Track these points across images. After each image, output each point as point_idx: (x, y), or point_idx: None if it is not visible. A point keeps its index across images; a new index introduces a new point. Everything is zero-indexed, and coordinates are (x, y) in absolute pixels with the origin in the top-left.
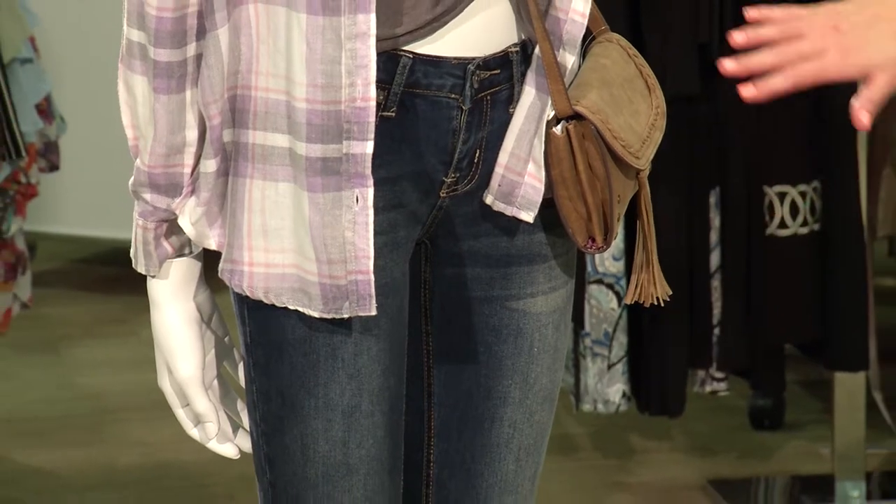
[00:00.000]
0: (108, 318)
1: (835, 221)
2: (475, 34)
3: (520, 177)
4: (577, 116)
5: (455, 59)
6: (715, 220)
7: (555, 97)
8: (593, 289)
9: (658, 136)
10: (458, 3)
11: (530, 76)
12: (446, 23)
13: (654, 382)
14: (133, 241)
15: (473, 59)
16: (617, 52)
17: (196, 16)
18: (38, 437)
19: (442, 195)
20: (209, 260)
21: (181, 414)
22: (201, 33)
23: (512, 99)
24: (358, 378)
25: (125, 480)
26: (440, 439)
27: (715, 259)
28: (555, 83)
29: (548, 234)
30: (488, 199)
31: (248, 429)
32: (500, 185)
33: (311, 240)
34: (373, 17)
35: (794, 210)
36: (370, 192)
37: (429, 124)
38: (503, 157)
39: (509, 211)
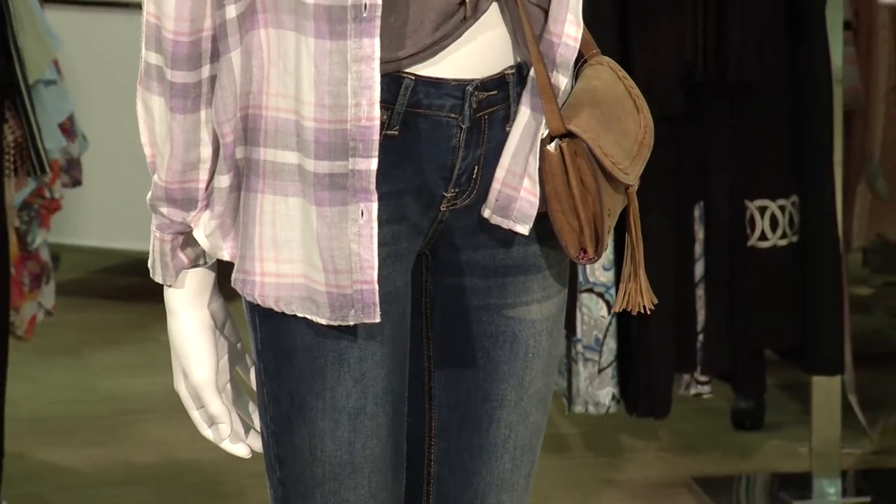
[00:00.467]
0: (128, 325)
1: (812, 234)
2: (473, 57)
3: (516, 192)
4: (569, 135)
5: (455, 80)
6: (699, 233)
7: (549, 116)
8: (584, 297)
9: (646, 154)
10: (456, 27)
11: (525, 97)
12: (446, 46)
13: (641, 385)
14: (151, 252)
15: (472, 80)
16: (607, 73)
17: (210, 40)
18: (60, 436)
19: (442, 209)
20: (222, 270)
21: (196, 415)
22: (215, 56)
23: (508, 118)
24: (363, 381)
25: (142, 477)
26: (440, 439)
27: (699, 269)
28: (549, 103)
29: (542, 245)
30: (486, 213)
31: (259, 430)
32: (497, 200)
33: (318, 251)
34: (377, 41)
35: (774, 223)
36: (374, 206)
37: (430, 142)
38: (500, 174)
39: (506, 224)
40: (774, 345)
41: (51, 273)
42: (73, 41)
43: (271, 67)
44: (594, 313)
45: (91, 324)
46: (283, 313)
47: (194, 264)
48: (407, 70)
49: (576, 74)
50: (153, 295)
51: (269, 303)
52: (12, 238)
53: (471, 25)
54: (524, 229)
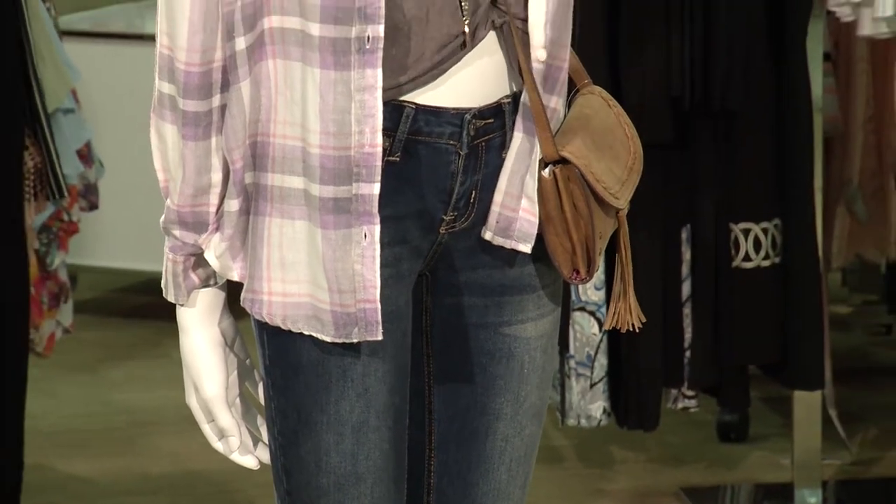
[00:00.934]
0: (142, 342)
1: (794, 255)
2: (471, 86)
3: (514, 212)
4: (563, 161)
5: (453, 109)
6: (686, 254)
7: (543, 143)
8: (577, 315)
9: (635, 179)
10: (455, 53)
11: (519, 121)
12: (445, 71)
13: (631, 399)
14: (164, 272)
15: (470, 109)
16: (599, 102)
17: (221, 70)
18: (78, 449)
19: (441, 231)
20: (232, 290)
21: (207, 429)
22: (225, 86)
23: (504, 145)
24: (366, 396)
25: (157, 487)
26: (440, 451)
27: (686, 289)
28: (543, 131)
29: (537, 266)
30: (487, 235)
31: (267, 442)
32: (497, 222)
33: (323, 272)
34: (379, 72)
35: (758, 245)
36: (377, 229)
37: (430, 168)
38: (498, 197)
39: (508, 244)
40: (758, 361)
41: (69, 293)
42: (91, 72)
43: (279, 97)
44: (586, 331)
45: (107, 341)
46: (289, 331)
47: (205, 284)
48: (408, 98)
49: (568, 103)
50: (166, 313)
51: (277, 321)
52: (32, 259)
53: (468, 52)
54: (526, 248)
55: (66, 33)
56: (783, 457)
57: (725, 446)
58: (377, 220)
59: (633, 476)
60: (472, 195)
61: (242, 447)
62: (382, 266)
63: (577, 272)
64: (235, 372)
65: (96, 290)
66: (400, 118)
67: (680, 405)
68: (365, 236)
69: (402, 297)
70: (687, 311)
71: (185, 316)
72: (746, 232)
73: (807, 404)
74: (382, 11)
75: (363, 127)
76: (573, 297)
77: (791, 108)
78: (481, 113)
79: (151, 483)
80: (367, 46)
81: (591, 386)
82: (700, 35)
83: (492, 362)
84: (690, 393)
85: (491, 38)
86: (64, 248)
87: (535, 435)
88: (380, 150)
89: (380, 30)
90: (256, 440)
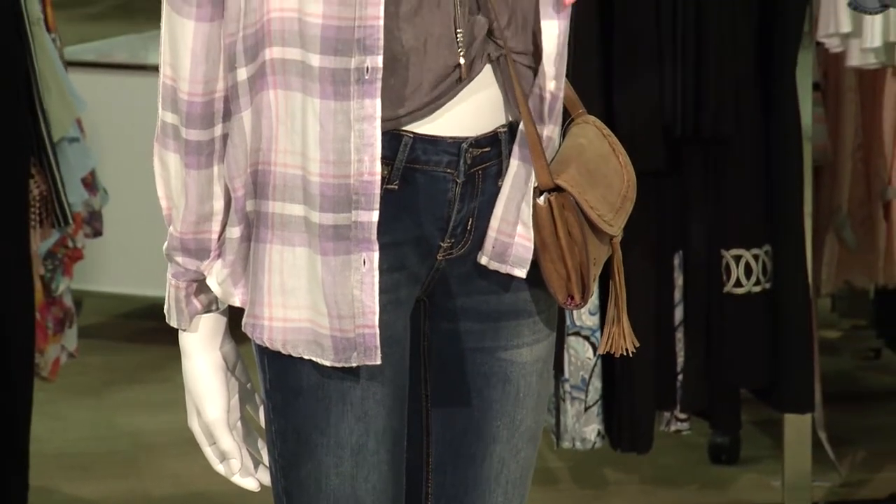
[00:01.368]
0: (145, 366)
1: (784, 281)
2: (468, 116)
3: (510, 238)
4: (558, 189)
5: (450, 138)
6: (678, 280)
7: (538, 172)
8: (572, 340)
9: (629, 207)
10: (452, 87)
11: (516, 150)
12: (442, 105)
13: (625, 422)
14: (167, 298)
15: (466, 138)
16: (593, 132)
17: (223, 100)
18: (83, 471)
19: (439, 258)
20: (233, 315)
21: (208, 451)
22: (227, 115)
23: (501, 173)
24: (365, 419)
25: None
26: (437, 473)
27: (678, 314)
28: (538, 160)
29: (532, 292)
30: (483, 260)
31: (268, 464)
32: (493, 247)
33: (323, 297)
34: (378, 102)
35: (748, 271)
36: (376, 255)
37: (427, 196)
38: (494, 223)
39: (504, 269)
40: (749, 384)
41: (73, 318)
42: (96, 102)
43: (279, 126)
44: (581, 355)
45: (111, 365)
46: (290, 355)
47: (207, 310)
48: (406, 128)
49: (563, 132)
50: (169, 338)
51: (277, 346)
52: (37, 285)
53: (466, 85)
54: (521, 272)
55: (71, 64)
56: (774, 478)
57: (717, 468)
58: (376, 246)
59: (626, 498)
60: (469, 222)
61: (243, 469)
62: (381, 292)
63: (572, 298)
64: (237, 395)
65: (101, 315)
66: (398, 147)
67: (673, 428)
68: (364, 263)
69: (401, 322)
70: (679, 335)
71: (187, 340)
72: (738, 258)
73: (797, 427)
74: (381, 43)
75: (362, 155)
76: (568, 321)
77: (781, 137)
78: (478, 142)
79: None
80: (367, 77)
81: (586, 409)
82: (692, 64)
83: (488, 386)
84: (683, 416)
85: (487, 70)
86: (69, 273)
87: (530, 458)
88: (378, 178)
89: (378, 60)
90: (257, 463)
